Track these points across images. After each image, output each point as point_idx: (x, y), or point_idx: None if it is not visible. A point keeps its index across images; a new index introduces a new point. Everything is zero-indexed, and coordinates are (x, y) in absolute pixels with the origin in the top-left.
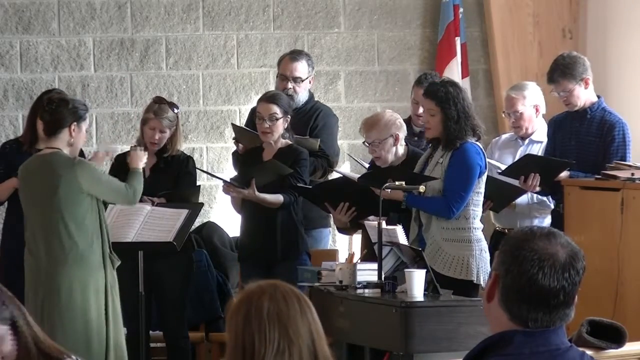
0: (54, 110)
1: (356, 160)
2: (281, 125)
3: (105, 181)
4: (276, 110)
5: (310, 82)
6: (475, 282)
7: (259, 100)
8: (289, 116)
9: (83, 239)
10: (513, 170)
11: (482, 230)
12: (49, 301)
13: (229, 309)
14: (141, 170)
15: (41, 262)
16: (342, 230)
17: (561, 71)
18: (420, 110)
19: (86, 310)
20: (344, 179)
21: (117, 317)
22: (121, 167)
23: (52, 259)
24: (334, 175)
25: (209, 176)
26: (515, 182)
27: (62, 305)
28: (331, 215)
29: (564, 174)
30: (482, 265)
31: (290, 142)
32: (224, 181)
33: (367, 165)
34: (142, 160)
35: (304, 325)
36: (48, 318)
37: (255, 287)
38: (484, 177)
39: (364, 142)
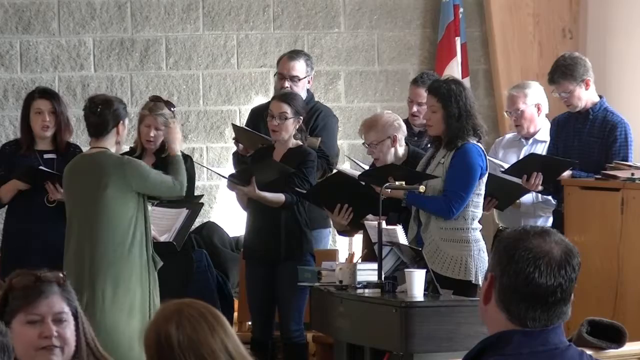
0: (101, 114)
1: (356, 163)
2: (291, 125)
3: (154, 177)
4: (286, 109)
5: (309, 82)
6: (473, 282)
7: (272, 98)
8: (301, 117)
9: (130, 239)
10: (516, 169)
11: (484, 230)
12: (92, 303)
13: (144, 336)
14: (181, 155)
15: (85, 263)
16: (342, 232)
17: (561, 72)
18: (415, 109)
19: (131, 312)
20: (340, 175)
21: None
22: None
23: (98, 260)
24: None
25: (209, 176)
26: (519, 181)
27: (107, 306)
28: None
29: (567, 174)
30: (480, 266)
31: (301, 143)
32: (227, 179)
33: (367, 168)
34: (179, 139)
35: (217, 343)
36: (91, 319)
37: (161, 316)
38: (485, 179)
39: (363, 144)
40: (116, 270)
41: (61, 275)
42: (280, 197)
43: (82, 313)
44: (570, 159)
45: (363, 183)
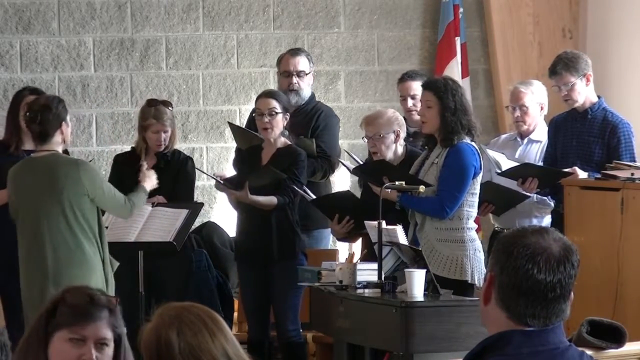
0: (41, 120)
1: (353, 158)
2: (281, 121)
3: (106, 188)
4: (275, 104)
5: (312, 78)
6: (469, 282)
7: (258, 97)
8: (288, 114)
9: (88, 240)
10: (511, 175)
11: (483, 231)
12: None
13: (141, 340)
14: (148, 190)
15: (47, 266)
16: (342, 239)
17: (564, 64)
18: (410, 103)
19: None
20: (347, 194)
21: None
22: (119, 167)
23: (61, 262)
24: (340, 170)
25: (209, 176)
26: (514, 184)
27: None
28: None
29: (583, 175)
30: (476, 265)
31: (290, 143)
32: (217, 181)
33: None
34: (152, 183)
35: (218, 348)
36: None
37: (161, 321)
38: (479, 178)
39: (363, 138)
40: (80, 271)
41: (115, 300)
42: (272, 199)
43: (126, 339)
44: (568, 159)
45: (365, 190)
